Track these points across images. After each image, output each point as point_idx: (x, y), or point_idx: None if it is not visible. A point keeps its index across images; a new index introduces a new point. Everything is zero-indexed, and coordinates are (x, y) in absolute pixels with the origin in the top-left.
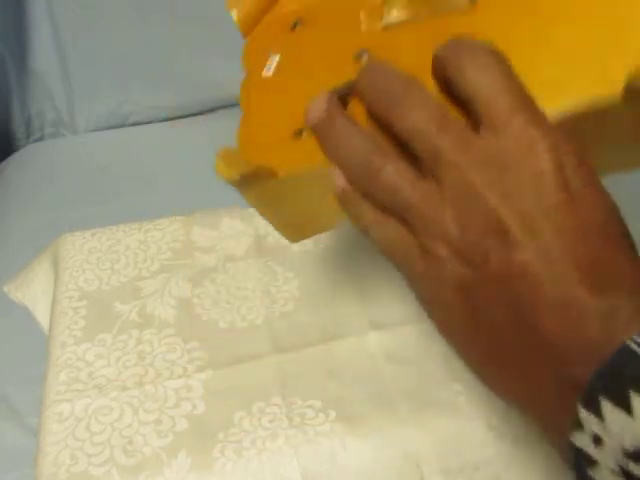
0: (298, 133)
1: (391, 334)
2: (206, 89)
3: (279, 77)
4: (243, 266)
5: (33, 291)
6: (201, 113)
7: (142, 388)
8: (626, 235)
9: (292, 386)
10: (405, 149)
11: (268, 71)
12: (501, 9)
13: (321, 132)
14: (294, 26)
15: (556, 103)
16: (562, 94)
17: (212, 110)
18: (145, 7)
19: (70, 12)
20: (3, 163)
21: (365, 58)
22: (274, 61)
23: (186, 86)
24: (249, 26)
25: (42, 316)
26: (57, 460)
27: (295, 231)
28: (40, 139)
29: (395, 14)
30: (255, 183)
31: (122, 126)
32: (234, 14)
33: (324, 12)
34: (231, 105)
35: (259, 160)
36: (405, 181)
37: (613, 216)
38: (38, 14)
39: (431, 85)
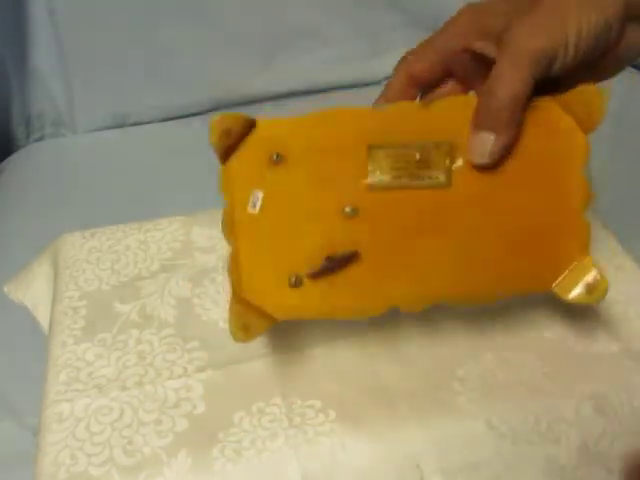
0: (293, 281)
1: (391, 334)
2: (206, 89)
3: (265, 217)
4: None
5: (33, 291)
6: (201, 113)
7: (142, 388)
8: None
9: (292, 386)
10: None
11: (253, 208)
12: (472, 193)
13: None
14: (274, 159)
15: (493, 289)
16: (500, 284)
17: (212, 110)
18: (145, 7)
19: (70, 12)
20: (3, 163)
21: (356, 215)
22: (258, 198)
23: (186, 86)
24: (226, 153)
25: (42, 316)
26: (57, 460)
27: None
28: (40, 139)
29: (378, 176)
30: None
31: (122, 126)
32: (213, 141)
33: (304, 151)
34: (231, 105)
35: (256, 300)
36: None
37: None
38: (38, 14)
39: (421, 245)
